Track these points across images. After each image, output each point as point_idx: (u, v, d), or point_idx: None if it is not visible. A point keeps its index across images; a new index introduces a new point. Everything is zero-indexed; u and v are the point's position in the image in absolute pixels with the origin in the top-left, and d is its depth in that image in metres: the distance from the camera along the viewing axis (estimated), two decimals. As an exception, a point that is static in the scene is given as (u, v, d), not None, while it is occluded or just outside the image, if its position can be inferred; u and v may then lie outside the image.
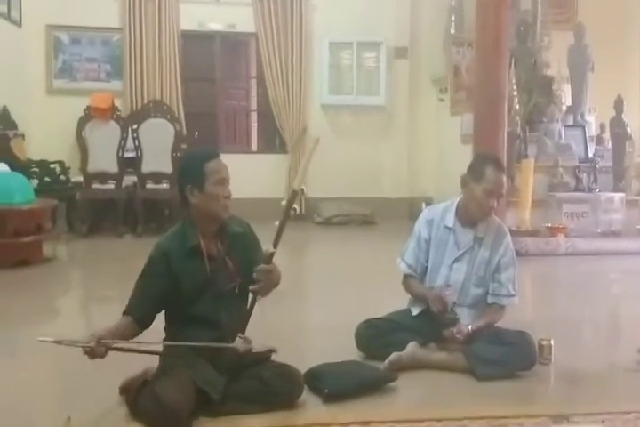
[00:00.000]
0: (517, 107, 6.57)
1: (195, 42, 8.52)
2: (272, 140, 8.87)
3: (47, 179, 6.88)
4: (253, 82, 9.14)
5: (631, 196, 6.75)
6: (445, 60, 8.11)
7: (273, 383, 2.28)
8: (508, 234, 2.96)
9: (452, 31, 8.04)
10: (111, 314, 4.04)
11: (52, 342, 2.12)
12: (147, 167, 6.80)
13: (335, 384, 2.41)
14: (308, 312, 4.20)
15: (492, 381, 2.62)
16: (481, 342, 2.72)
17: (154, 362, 2.37)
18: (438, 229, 2.93)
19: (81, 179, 6.83)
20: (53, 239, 5.72)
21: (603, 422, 2.23)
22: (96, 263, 5.65)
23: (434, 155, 8.39)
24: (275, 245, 2.34)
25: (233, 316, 2.36)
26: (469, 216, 2.88)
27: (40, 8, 7.67)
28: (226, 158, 2.43)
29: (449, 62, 7.96)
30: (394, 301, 3.12)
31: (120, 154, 6.77)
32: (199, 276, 2.34)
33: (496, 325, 2.87)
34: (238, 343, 2.27)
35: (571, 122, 7.41)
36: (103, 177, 6.78)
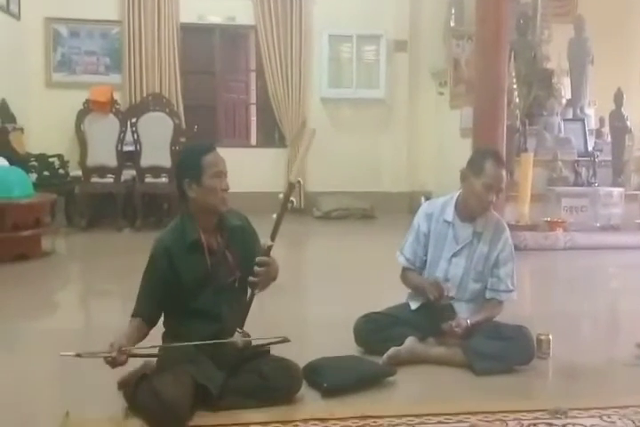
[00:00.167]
0: (517, 100, 6.56)
1: (194, 35, 8.50)
2: (271, 134, 8.86)
3: (46, 173, 6.86)
4: (253, 75, 9.12)
5: (630, 190, 6.75)
6: (445, 53, 8.09)
7: (272, 378, 2.28)
8: (507, 229, 2.96)
9: (452, 24, 8.01)
10: (110, 308, 4.07)
11: (74, 355, 2.13)
12: (146, 161, 6.79)
13: (334, 379, 2.41)
14: (307, 306, 4.21)
15: (491, 375, 2.63)
16: (479, 337, 2.73)
17: (152, 357, 2.37)
18: (437, 224, 2.93)
19: (80, 173, 6.82)
20: (52, 233, 5.72)
21: (601, 416, 2.24)
22: (95, 257, 5.65)
23: (433, 148, 8.39)
24: (272, 238, 2.34)
25: (233, 309, 2.36)
26: (469, 211, 2.87)
27: (39, 1, 7.65)
28: (225, 152, 2.42)
29: (449, 55, 7.94)
30: (393, 295, 3.12)
31: (119, 148, 6.76)
32: (200, 270, 2.34)
33: (494, 319, 2.88)
34: (237, 338, 2.27)
35: (570, 115, 7.39)
36: (102, 171, 6.77)
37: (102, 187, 6.79)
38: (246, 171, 7.31)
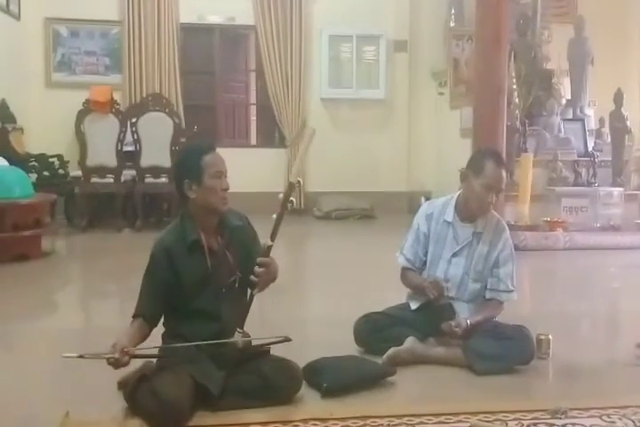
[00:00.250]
0: (517, 100, 6.56)
1: (194, 35, 8.50)
2: (271, 134, 8.86)
3: (46, 173, 6.87)
4: (253, 75, 9.13)
5: (630, 190, 6.75)
6: (445, 53, 8.09)
7: (272, 378, 2.28)
8: (507, 229, 2.96)
9: (452, 24, 8.02)
10: (110, 308, 4.08)
11: (77, 357, 2.13)
12: (146, 161, 6.80)
13: (334, 379, 2.41)
14: (307, 306, 4.21)
15: (491, 375, 2.62)
16: (479, 337, 2.72)
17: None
18: (437, 224, 2.93)
19: (80, 173, 6.82)
20: (52, 234, 5.72)
21: (601, 416, 2.24)
22: (95, 258, 5.65)
23: (433, 149, 8.39)
24: (272, 238, 2.34)
25: (234, 309, 2.36)
26: (469, 211, 2.87)
27: (38, 1, 7.66)
28: (225, 152, 2.42)
29: (449, 56, 7.94)
30: (393, 295, 3.12)
31: (119, 148, 6.76)
32: (200, 270, 2.34)
33: (494, 319, 2.87)
34: (237, 338, 2.27)
35: (570, 116, 7.40)
36: (102, 171, 6.77)
37: (102, 187, 6.79)
38: (246, 171, 7.30)
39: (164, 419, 2.07)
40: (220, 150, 2.39)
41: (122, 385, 2.35)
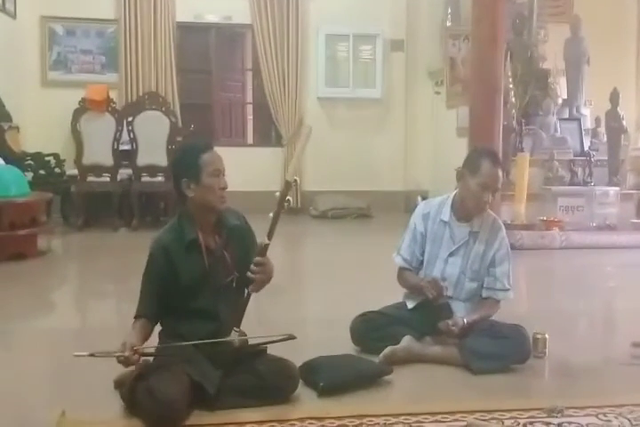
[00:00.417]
0: (513, 100, 6.57)
1: (190, 34, 8.50)
2: (268, 133, 8.86)
3: (42, 172, 6.87)
4: (249, 74, 9.11)
5: (626, 189, 6.77)
6: (441, 52, 8.11)
7: (268, 377, 2.28)
8: (503, 228, 2.96)
9: (449, 24, 8.03)
10: (106, 307, 4.07)
11: (88, 355, 2.13)
12: (142, 160, 6.79)
13: (330, 378, 2.41)
14: (304, 305, 4.21)
15: (487, 374, 2.63)
16: (476, 336, 2.73)
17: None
18: (434, 224, 2.93)
19: (76, 172, 6.81)
20: (48, 232, 5.71)
21: (597, 415, 2.24)
22: (91, 257, 5.65)
23: (429, 148, 8.40)
24: (269, 237, 2.34)
25: (231, 309, 2.36)
26: (465, 210, 2.88)
27: (34, -1, 7.63)
28: (221, 151, 2.41)
29: (445, 55, 7.96)
30: (389, 294, 3.12)
31: (115, 146, 6.76)
32: (198, 269, 2.34)
33: (491, 318, 2.88)
34: (234, 337, 2.27)
35: (566, 115, 7.41)
36: (98, 170, 6.77)
37: (98, 186, 6.79)
38: (243, 170, 7.30)
39: (160, 418, 2.07)
40: (216, 149, 2.38)
41: (118, 384, 2.35)
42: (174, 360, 2.22)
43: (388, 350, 2.69)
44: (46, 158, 6.99)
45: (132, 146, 6.78)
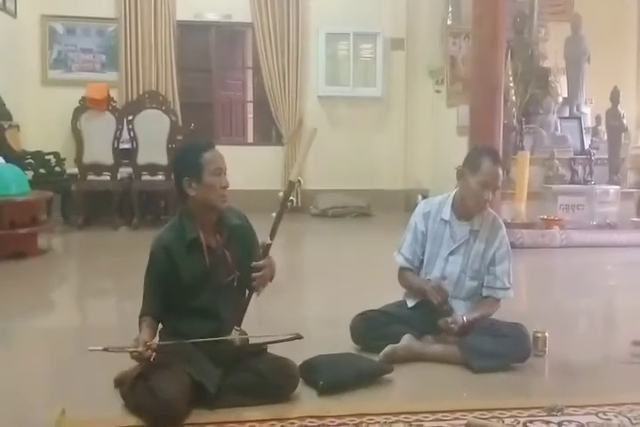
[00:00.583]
0: (514, 98, 6.57)
1: (191, 32, 8.50)
2: (268, 132, 8.85)
3: (42, 170, 6.86)
4: (250, 73, 9.11)
5: (626, 188, 6.76)
6: (442, 51, 8.10)
7: (269, 376, 2.28)
8: (504, 227, 2.96)
9: (449, 22, 8.02)
10: (106, 306, 4.07)
11: (102, 350, 2.13)
12: (142, 159, 6.79)
13: (330, 376, 2.41)
14: (304, 304, 4.21)
15: (487, 373, 2.63)
16: (476, 335, 2.73)
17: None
18: (434, 222, 2.93)
19: (76, 170, 6.81)
20: (49, 231, 5.71)
21: (597, 413, 2.24)
22: (91, 255, 5.65)
23: (430, 147, 8.40)
24: (271, 237, 2.34)
25: (232, 308, 2.36)
26: (465, 209, 2.88)
27: (35, -2, 7.63)
28: (221, 150, 2.41)
29: (445, 54, 7.95)
30: (389, 292, 3.12)
31: (115, 145, 6.76)
32: (199, 268, 2.34)
33: (491, 317, 2.88)
34: (235, 336, 2.27)
35: (567, 113, 7.41)
36: (98, 169, 6.77)
37: (99, 185, 6.79)
38: (243, 169, 7.29)
39: (160, 417, 2.07)
40: (216, 148, 2.38)
41: (118, 383, 2.36)
42: (175, 359, 2.22)
43: (388, 348, 2.69)
44: (46, 157, 6.99)
45: (133, 145, 6.78)
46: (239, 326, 2.31)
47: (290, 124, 8.35)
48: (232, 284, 2.39)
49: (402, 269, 2.99)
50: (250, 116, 9.27)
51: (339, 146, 8.30)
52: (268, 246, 2.34)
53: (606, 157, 6.85)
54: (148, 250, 2.36)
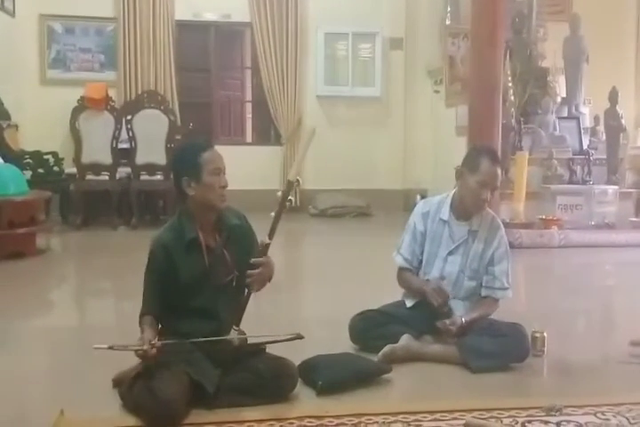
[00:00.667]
0: (512, 98, 6.57)
1: (189, 32, 8.49)
2: (267, 132, 8.85)
3: (41, 170, 6.85)
4: (248, 72, 9.11)
5: (625, 188, 6.77)
6: (441, 51, 8.10)
7: (267, 376, 2.28)
8: (502, 227, 2.96)
9: (448, 22, 8.03)
10: (105, 306, 4.07)
11: (107, 348, 2.13)
12: (141, 158, 6.79)
13: (329, 376, 2.41)
14: (303, 304, 4.21)
15: (486, 373, 2.63)
16: (474, 335, 2.73)
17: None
18: (433, 222, 2.93)
19: (75, 170, 6.80)
20: (47, 231, 5.71)
21: (595, 413, 2.24)
22: (90, 255, 5.64)
23: (429, 146, 8.40)
24: (270, 237, 2.34)
25: (231, 308, 2.36)
26: (464, 209, 2.88)
27: (33, -3, 7.62)
28: (220, 150, 2.41)
29: (444, 53, 7.95)
30: (388, 292, 3.12)
31: (114, 145, 6.75)
32: (198, 268, 2.34)
33: (490, 317, 2.88)
34: (233, 336, 2.27)
35: (565, 114, 7.42)
36: (97, 168, 6.77)
37: (97, 184, 6.78)
38: (242, 168, 7.29)
39: (159, 417, 2.07)
40: (215, 148, 2.38)
41: (117, 383, 2.36)
42: (174, 359, 2.22)
43: (386, 348, 2.69)
44: (45, 157, 6.98)
45: (131, 144, 6.78)
46: (238, 326, 2.31)
47: (289, 123, 8.34)
48: (231, 284, 2.39)
49: (401, 269, 2.99)
50: (249, 115, 9.27)
51: (337, 146, 8.30)
52: (266, 246, 2.34)
53: (605, 157, 6.85)
54: (146, 250, 2.36)
